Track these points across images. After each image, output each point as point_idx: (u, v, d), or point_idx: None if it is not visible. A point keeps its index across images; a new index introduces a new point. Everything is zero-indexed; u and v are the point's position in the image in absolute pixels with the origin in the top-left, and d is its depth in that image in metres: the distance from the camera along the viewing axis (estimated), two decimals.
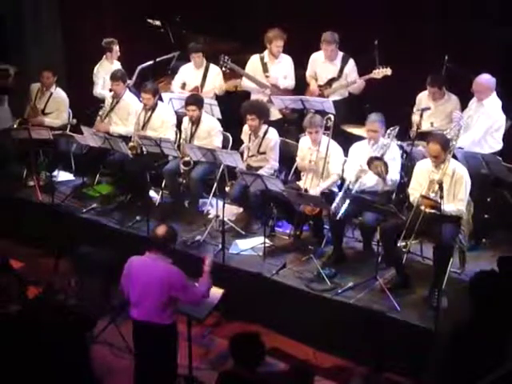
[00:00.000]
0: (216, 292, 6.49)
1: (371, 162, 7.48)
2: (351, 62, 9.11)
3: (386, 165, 7.45)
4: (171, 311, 6.10)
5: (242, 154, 8.39)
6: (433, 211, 7.02)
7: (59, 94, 9.69)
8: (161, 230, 6.14)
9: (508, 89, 8.18)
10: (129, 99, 9.33)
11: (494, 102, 8.07)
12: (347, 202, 7.28)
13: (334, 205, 7.37)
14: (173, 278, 6.02)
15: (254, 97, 9.32)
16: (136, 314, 6.18)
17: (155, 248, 6.11)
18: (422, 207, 7.01)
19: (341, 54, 9.14)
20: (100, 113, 9.34)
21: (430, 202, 6.98)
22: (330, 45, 9.02)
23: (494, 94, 8.08)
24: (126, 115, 9.29)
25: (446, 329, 6.48)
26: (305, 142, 8.18)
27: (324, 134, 7.93)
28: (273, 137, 8.41)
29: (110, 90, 9.42)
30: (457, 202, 7.12)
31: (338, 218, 7.35)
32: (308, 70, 9.37)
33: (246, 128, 8.51)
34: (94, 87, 10.05)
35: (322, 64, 9.24)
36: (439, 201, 6.86)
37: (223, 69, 9.49)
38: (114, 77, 9.25)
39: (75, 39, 11.05)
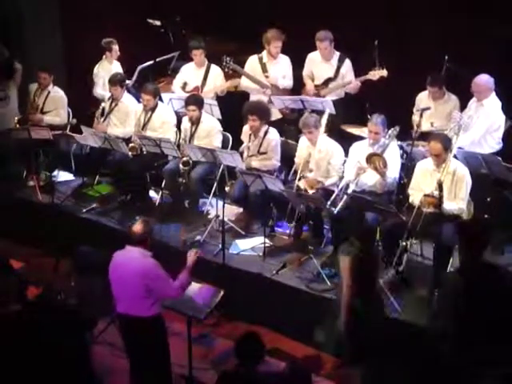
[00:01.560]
0: (216, 292, 6.49)
1: (369, 157, 7.50)
2: (348, 62, 9.11)
3: (384, 160, 7.47)
4: (151, 302, 6.12)
5: (241, 154, 8.39)
6: (433, 211, 7.03)
7: (57, 93, 9.67)
8: (138, 225, 6.31)
9: (507, 89, 8.18)
10: (127, 101, 9.33)
11: (493, 102, 8.08)
12: (344, 198, 7.31)
13: (329, 202, 7.39)
14: (148, 269, 6.08)
15: (253, 97, 9.32)
16: (118, 307, 6.26)
17: (135, 242, 6.22)
18: (424, 208, 7.01)
19: (337, 53, 9.15)
20: (96, 114, 9.34)
21: (433, 200, 6.98)
22: (323, 42, 9.01)
23: (494, 94, 8.08)
24: (124, 117, 9.29)
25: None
26: (304, 141, 8.19)
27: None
28: (274, 137, 8.41)
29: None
30: (458, 200, 7.13)
31: (334, 213, 7.38)
32: (304, 70, 9.37)
33: (246, 128, 8.50)
34: (94, 87, 10.05)
35: (319, 64, 9.24)
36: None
37: (226, 69, 9.48)
38: (112, 81, 9.24)
39: (75, 39, 11.04)
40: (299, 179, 7.95)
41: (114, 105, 9.31)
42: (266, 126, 8.42)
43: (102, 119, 9.30)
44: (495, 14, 8.90)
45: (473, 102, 8.22)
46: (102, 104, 9.39)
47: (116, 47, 10.01)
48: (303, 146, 8.17)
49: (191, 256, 6.34)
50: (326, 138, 8.03)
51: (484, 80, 8.06)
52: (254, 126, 8.32)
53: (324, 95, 9.10)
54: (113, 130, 9.26)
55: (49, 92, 9.63)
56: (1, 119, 9.62)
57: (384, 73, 8.73)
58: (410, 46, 9.32)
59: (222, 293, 6.52)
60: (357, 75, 9.08)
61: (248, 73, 9.39)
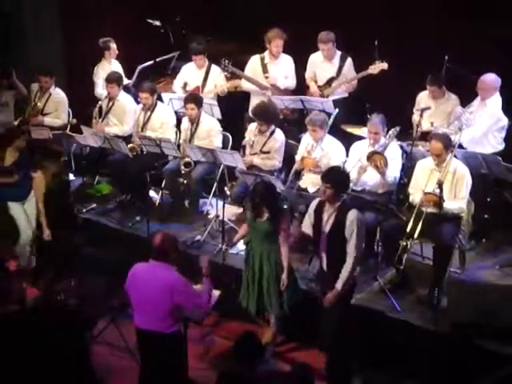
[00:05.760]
0: (213, 293, 6.47)
1: (371, 156, 7.50)
2: (349, 61, 9.11)
3: (385, 159, 7.46)
4: (174, 319, 6.01)
5: (243, 148, 8.39)
6: (434, 211, 7.03)
7: (58, 95, 9.67)
8: (157, 239, 5.98)
9: (508, 88, 8.17)
10: (123, 99, 9.32)
11: (496, 102, 8.06)
12: None
13: None
14: (176, 285, 5.90)
15: (253, 98, 9.31)
16: (138, 321, 6.11)
17: (156, 257, 5.98)
18: (424, 208, 7.00)
19: (339, 53, 9.14)
20: (94, 114, 9.33)
21: (433, 198, 6.98)
22: (326, 44, 9.03)
23: (498, 94, 8.07)
24: (122, 115, 9.29)
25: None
26: (305, 139, 8.19)
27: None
28: (279, 138, 8.41)
29: None
30: (458, 199, 7.13)
31: None
32: (307, 72, 9.36)
33: (252, 126, 8.47)
34: (94, 88, 10.05)
35: (321, 64, 9.24)
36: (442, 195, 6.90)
37: (225, 73, 9.47)
38: (109, 79, 9.24)
39: (75, 39, 11.05)
40: (300, 178, 7.97)
41: (111, 104, 9.31)
42: (273, 126, 8.42)
43: (101, 119, 9.29)
44: (495, 14, 8.90)
45: (477, 100, 8.21)
46: (99, 103, 9.38)
47: (114, 46, 10.01)
48: (304, 144, 8.18)
49: (204, 262, 6.20)
50: (328, 137, 8.03)
51: (491, 79, 8.05)
52: (262, 130, 8.33)
53: (327, 95, 9.09)
54: (112, 129, 9.27)
55: (50, 94, 9.62)
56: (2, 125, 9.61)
57: (384, 66, 8.72)
58: (410, 46, 9.32)
59: (218, 294, 6.50)
60: (358, 73, 9.08)
61: (247, 75, 9.36)
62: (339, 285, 6.46)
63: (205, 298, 6.07)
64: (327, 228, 6.53)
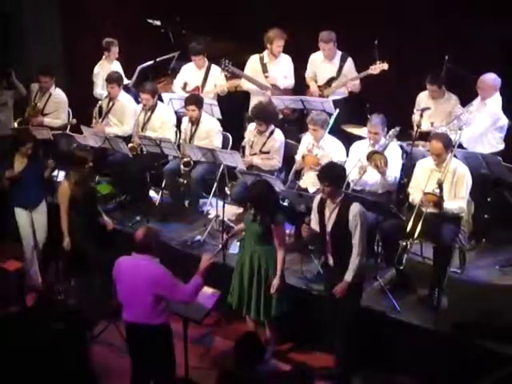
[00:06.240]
0: (213, 293, 6.47)
1: (371, 156, 7.50)
2: (350, 61, 9.11)
3: (385, 158, 7.47)
4: (160, 311, 6.05)
5: (243, 148, 8.37)
6: (434, 211, 7.03)
7: (58, 95, 9.66)
8: (139, 234, 6.08)
9: (508, 88, 8.17)
10: (124, 99, 9.32)
11: (496, 102, 8.06)
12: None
13: None
14: (158, 277, 5.99)
15: (254, 98, 9.31)
16: (125, 315, 6.17)
17: (139, 251, 6.06)
18: (424, 208, 7.00)
19: (339, 53, 9.14)
20: (94, 114, 9.32)
21: (433, 198, 6.98)
22: (327, 44, 9.03)
23: (498, 94, 8.06)
24: (121, 115, 9.29)
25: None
26: (306, 139, 8.19)
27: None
28: (279, 138, 8.41)
29: None
30: (458, 199, 7.13)
31: None
32: (307, 71, 9.37)
33: (252, 126, 8.48)
34: (94, 88, 10.05)
35: (321, 64, 9.24)
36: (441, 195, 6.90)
37: (225, 73, 9.47)
38: (110, 79, 9.23)
39: (75, 39, 11.05)
40: (300, 178, 7.96)
41: (111, 104, 9.30)
42: (273, 126, 8.42)
43: (101, 119, 9.29)
44: (495, 14, 8.90)
45: (476, 100, 8.21)
46: (99, 102, 9.38)
47: (115, 48, 10.01)
48: (304, 143, 8.18)
49: (205, 260, 6.22)
50: (329, 137, 8.04)
51: (491, 78, 8.04)
52: (261, 130, 8.33)
53: (327, 95, 9.09)
54: (112, 129, 9.27)
55: (50, 94, 9.61)
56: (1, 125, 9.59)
57: (385, 66, 8.72)
58: (410, 47, 9.32)
59: (218, 294, 6.50)
60: (358, 73, 9.08)
61: (247, 75, 9.37)
62: (348, 276, 6.50)
63: (189, 294, 6.05)
64: (330, 223, 6.60)
